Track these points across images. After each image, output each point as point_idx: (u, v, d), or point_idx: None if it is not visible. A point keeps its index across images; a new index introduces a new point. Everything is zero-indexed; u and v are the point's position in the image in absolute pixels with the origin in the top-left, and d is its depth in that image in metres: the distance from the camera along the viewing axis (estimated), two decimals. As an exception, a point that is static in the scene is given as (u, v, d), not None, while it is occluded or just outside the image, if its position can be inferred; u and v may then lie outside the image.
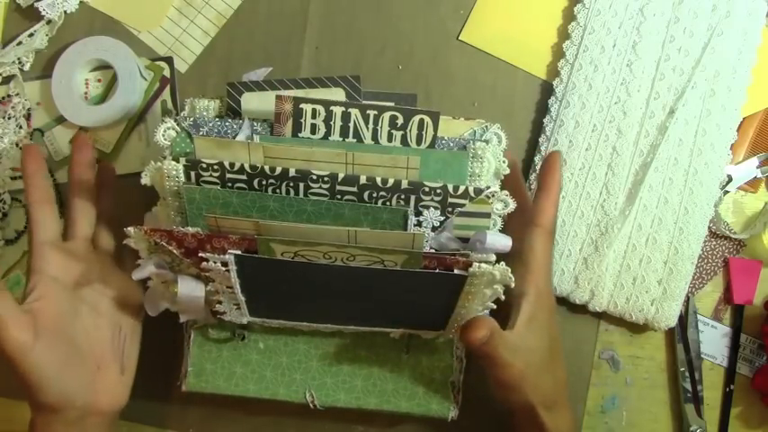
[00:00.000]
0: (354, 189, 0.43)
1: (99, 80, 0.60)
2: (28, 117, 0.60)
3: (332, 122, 0.45)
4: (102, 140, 0.59)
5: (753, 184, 0.58)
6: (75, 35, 0.60)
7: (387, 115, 0.45)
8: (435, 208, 0.44)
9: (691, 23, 0.57)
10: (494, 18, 0.60)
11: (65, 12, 0.60)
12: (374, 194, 0.43)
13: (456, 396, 0.52)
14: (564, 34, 0.59)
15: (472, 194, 0.43)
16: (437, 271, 0.42)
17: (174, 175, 0.43)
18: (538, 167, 0.56)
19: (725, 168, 0.56)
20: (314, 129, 0.45)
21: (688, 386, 0.55)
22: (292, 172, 0.42)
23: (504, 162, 0.46)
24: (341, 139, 0.45)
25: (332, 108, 0.45)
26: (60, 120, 0.60)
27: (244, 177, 0.43)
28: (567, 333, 0.56)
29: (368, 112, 0.45)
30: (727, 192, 0.57)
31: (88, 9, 0.61)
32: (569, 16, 0.59)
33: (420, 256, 0.41)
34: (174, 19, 0.61)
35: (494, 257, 0.42)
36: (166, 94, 0.60)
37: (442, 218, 0.44)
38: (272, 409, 0.55)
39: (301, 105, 0.44)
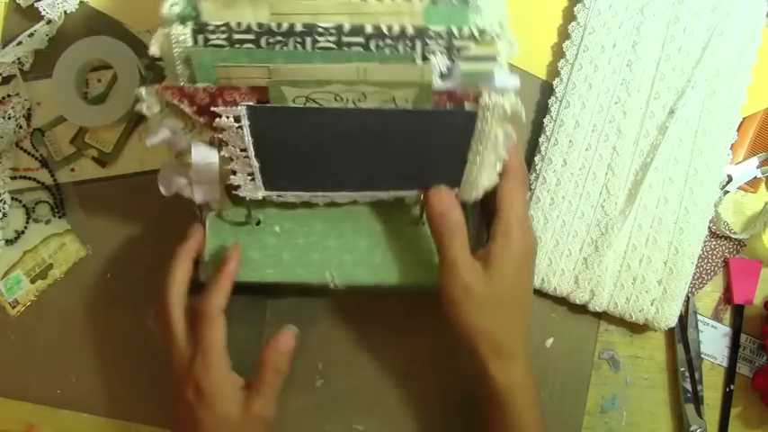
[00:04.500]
0: (361, 39, 0.43)
1: (99, 80, 0.60)
2: (28, 117, 0.60)
3: None
4: (102, 140, 0.59)
5: (753, 184, 0.58)
6: (76, 35, 0.60)
7: None
8: (442, 53, 0.43)
9: (691, 23, 0.57)
10: (494, 18, 0.60)
11: (65, 12, 0.60)
12: (380, 43, 0.43)
13: None
14: (564, 34, 0.59)
15: (477, 36, 0.43)
16: (448, 108, 0.42)
17: (183, 39, 0.43)
18: (537, 168, 0.56)
19: (725, 168, 0.56)
20: None
21: (688, 386, 0.55)
22: (299, 27, 0.42)
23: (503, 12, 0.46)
24: None
25: None
26: (60, 120, 0.60)
27: (251, 37, 0.43)
28: (567, 333, 0.56)
29: None
30: (727, 192, 0.57)
31: (88, 9, 0.61)
32: (569, 16, 0.59)
33: (430, 89, 0.41)
34: (174, 19, 0.61)
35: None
36: (166, 94, 0.60)
37: (449, 63, 0.44)
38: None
39: None
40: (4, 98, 0.60)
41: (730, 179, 0.57)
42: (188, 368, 0.46)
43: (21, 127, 0.60)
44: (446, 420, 0.53)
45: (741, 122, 0.57)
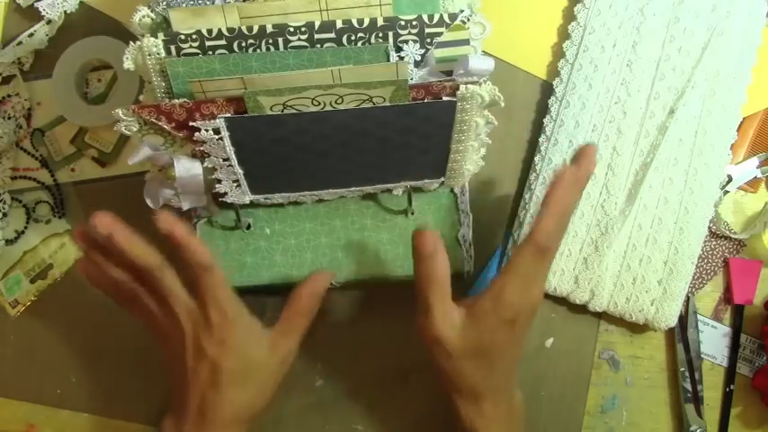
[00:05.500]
0: (332, 35, 0.43)
1: (99, 80, 0.60)
2: (28, 117, 0.60)
3: None
4: (102, 140, 0.59)
5: (753, 184, 0.58)
6: (76, 35, 0.60)
7: None
8: (414, 41, 0.44)
9: (691, 23, 0.57)
10: (494, 18, 0.60)
11: (65, 12, 0.60)
12: (352, 37, 0.43)
13: (468, 249, 0.51)
14: (564, 34, 0.59)
15: (447, 21, 0.44)
16: (426, 101, 0.42)
17: (156, 51, 0.43)
18: (537, 168, 0.56)
19: (725, 168, 0.56)
20: None
21: (688, 386, 0.55)
22: (269, 28, 0.43)
23: None
24: None
25: None
26: (60, 120, 0.60)
27: (223, 42, 0.43)
28: (567, 333, 0.56)
29: None
30: (727, 192, 0.57)
31: (88, 9, 0.61)
32: (569, 16, 0.59)
33: (406, 85, 0.42)
34: (174, 19, 0.61)
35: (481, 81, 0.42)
36: (166, 94, 0.60)
37: (422, 51, 0.44)
38: (272, 408, 0.55)
39: None
40: (4, 98, 0.60)
41: (730, 179, 0.57)
42: (203, 324, 0.44)
43: (21, 127, 0.60)
44: (446, 421, 0.53)
45: (741, 122, 0.57)
